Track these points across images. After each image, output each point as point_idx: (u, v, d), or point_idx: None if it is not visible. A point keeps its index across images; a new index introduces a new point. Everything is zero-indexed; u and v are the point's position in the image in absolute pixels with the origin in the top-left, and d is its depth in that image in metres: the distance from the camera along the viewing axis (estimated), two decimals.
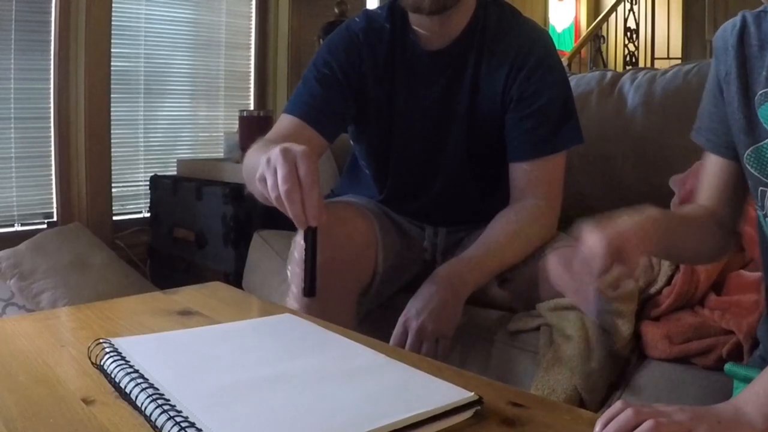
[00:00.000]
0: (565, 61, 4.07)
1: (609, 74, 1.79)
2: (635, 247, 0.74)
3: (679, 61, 3.46)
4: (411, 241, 1.38)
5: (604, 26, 5.00)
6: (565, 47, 5.34)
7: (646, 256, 0.78)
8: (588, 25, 5.45)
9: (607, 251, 0.72)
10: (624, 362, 1.10)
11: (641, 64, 5.12)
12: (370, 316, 1.29)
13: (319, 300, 1.14)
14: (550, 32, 5.27)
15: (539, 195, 1.26)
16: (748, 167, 0.81)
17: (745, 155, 0.82)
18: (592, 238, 0.74)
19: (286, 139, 1.10)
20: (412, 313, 1.14)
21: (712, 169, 0.92)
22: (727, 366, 0.87)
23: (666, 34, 5.22)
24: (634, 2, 5.16)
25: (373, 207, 1.35)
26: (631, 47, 5.23)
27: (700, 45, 5.11)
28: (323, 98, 1.28)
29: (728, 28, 0.86)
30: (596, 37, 4.98)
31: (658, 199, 1.48)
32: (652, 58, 5.11)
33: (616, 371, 1.09)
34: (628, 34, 5.22)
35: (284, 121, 1.29)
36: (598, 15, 5.25)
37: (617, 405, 0.61)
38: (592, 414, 0.65)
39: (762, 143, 0.79)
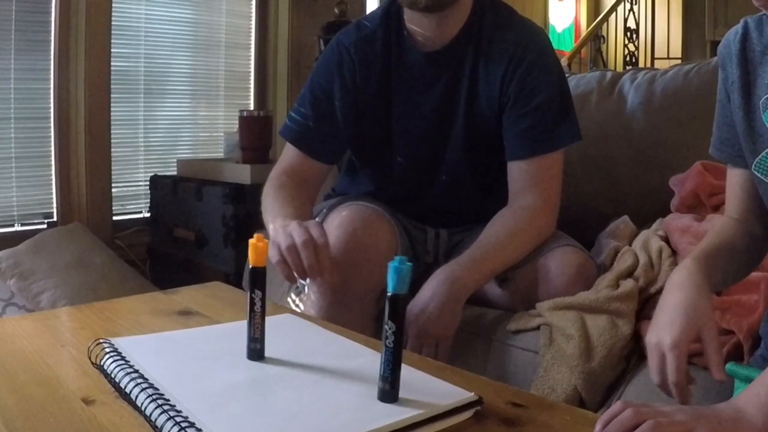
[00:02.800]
0: (565, 61, 4.07)
1: (609, 74, 1.79)
2: (706, 325, 0.75)
3: (679, 61, 3.46)
4: (414, 244, 1.38)
5: (604, 26, 5.00)
6: (565, 47, 5.34)
7: (714, 316, 0.81)
8: (588, 25, 5.44)
9: (686, 358, 0.74)
10: (624, 361, 1.10)
11: (641, 64, 5.12)
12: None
13: (342, 304, 1.14)
14: (550, 32, 5.29)
15: (537, 193, 1.26)
16: (758, 175, 0.81)
17: (754, 163, 0.81)
18: (670, 354, 0.74)
19: (291, 174, 1.33)
20: (412, 317, 1.14)
21: (733, 180, 0.92)
22: (728, 366, 0.87)
23: (666, 34, 5.22)
24: (634, 2, 5.16)
25: (387, 209, 1.35)
26: (631, 47, 5.23)
27: (700, 45, 5.11)
28: (319, 128, 1.34)
29: (731, 35, 0.86)
30: (596, 37, 4.98)
31: (658, 198, 1.49)
32: (652, 58, 5.11)
33: (616, 370, 1.09)
34: (628, 34, 5.22)
35: (288, 153, 1.38)
36: (598, 15, 5.25)
37: (617, 405, 0.61)
38: (592, 414, 0.65)
39: None
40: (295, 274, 1.10)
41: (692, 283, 0.79)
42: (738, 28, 0.85)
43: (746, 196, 0.90)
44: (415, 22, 1.29)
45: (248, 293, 0.74)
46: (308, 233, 1.08)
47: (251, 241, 0.74)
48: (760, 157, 0.80)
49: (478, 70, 1.29)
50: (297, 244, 1.07)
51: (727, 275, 0.90)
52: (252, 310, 0.74)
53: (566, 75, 1.44)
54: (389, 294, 0.63)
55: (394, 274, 0.62)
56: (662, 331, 0.76)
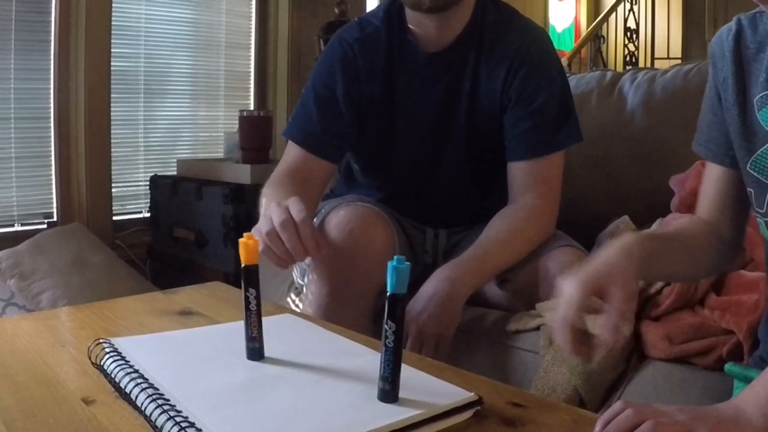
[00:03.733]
0: (565, 61, 4.07)
1: (609, 74, 1.79)
2: (617, 282, 0.73)
3: (679, 61, 3.45)
4: (413, 244, 1.38)
5: (604, 26, 5.00)
6: (565, 47, 5.34)
7: (632, 285, 0.77)
8: (588, 25, 5.45)
9: (583, 295, 0.72)
10: (624, 362, 1.10)
11: (641, 64, 5.12)
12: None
13: (340, 304, 1.14)
14: (550, 32, 5.29)
15: (537, 194, 1.26)
16: (753, 173, 0.80)
17: (750, 162, 0.80)
18: (567, 286, 0.73)
19: (294, 174, 1.28)
20: (412, 316, 1.14)
21: (712, 179, 0.90)
22: (727, 366, 0.87)
23: (666, 34, 5.22)
24: (634, 2, 5.16)
25: (385, 210, 1.35)
26: (631, 47, 5.23)
27: (700, 45, 5.11)
28: (324, 125, 1.31)
29: (724, 33, 0.85)
30: (596, 37, 4.98)
31: (658, 198, 1.49)
32: (652, 58, 5.11)
33: (616, 371, 1.09)
34: (628, 34, 5.22)
35: (291, 152, 1.33)
36: (598, 15, 5.25)
37: (617, 405, 0.61)
38: (592, 414, 0.65)
39: (765, 147, 0.78)
40: (294, 261, 1.06)
41: (622, 247, 0.77)
42: (731, 25, 0.84)
43: (721, 195, 0.89)
44: (416, 23, 1.29)
45: (242, 292, 0.74)
46: (287, 212, 1.03)
47: (241, 239, 0.73)
48: (756, 155, 0.79)
49: (479, 70, 1.29)
50: (276, 228, 1.02)
51: (676, 267, 0.87)
52: (247, 309, 0.74)
53: (566, 75, 1.44)
54: (388, 294, 0.63)
55: (393, 273, 0.62)
56: (571, 276, 0.74)
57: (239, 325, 0.75)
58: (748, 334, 0.99)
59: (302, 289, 1.36)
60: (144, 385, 0.64)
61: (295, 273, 1.48)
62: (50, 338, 0.85)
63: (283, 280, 1.69)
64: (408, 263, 0.63)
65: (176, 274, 2.52)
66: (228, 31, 3.09)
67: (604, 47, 5.08)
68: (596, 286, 0.72)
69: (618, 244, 0.78)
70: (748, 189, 0.82)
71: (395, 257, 0.63)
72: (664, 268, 0.85)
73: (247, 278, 0.74)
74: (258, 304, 0.75)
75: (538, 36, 1.32)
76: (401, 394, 0.64)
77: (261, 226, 1.05)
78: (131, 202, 2.83)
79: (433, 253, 1.40)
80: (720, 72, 0.85)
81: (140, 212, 2.84)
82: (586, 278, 0.73)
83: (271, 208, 1.05)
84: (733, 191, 0.88)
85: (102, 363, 0.71)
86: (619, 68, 4.98)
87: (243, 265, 0.74)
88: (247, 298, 0.74)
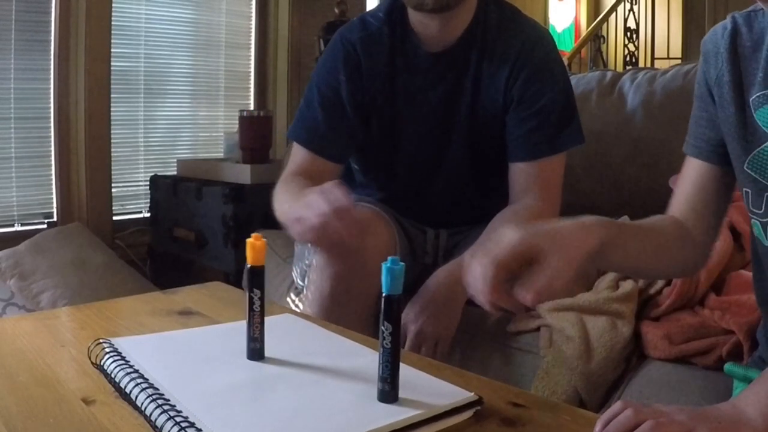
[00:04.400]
0: (565, 61, 4.07)
1: (609, 74, 1.79)
2: (560, 251, 0.68)
3: (679, 61, 3.45)
4: (413, 244, 1.38)
5: (604, 26, 5.00)
6: (565, 47, 5.34)
7: (579, 264, 0.70)
8: (588, 25, 5.45)
9: (521, 247, 0.67)
10: (624, 362, 1.10)
11: (641, 64, 5.12)
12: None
13: (341, 305, 1.14)
14: (550, 32, 5.29)
15: (538, 195, 1.26)
16: (751, 173, 0.79)
17: (747, 161, 0.79)
18: (508, 233, 0.69)
19: (303, 174, 1.26)
20: (411, 317, 1.14)
21: (693, 177, 0.88)
22: (727, 366, 0.87)
23: (666, 34, 5.22)
24: (634, 2, 5.16)
25: (386, 210, 1.34)
26: (631, 47, 5.23)
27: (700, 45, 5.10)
28: (329, 126, 1.30)
29: (719, 31, 0.84)
30: (596, 37, 4.98)
31: (658, 198, 1.49)
32: (652, 58, 5.11)
33: (616, 371, 1.09)
34: (628, 34, 5.22)
35: (298, 153, 1.33)
36: (598, 15, 5.25)
37: (617, 405, 0.61)
38: (592, 414, 0.65)
39: (762, 147, 0.77)
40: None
41: (580, 224, 0.73)
42: (726, 23, 0.83)
43: (700, 194, 0.88)
44: (419, 23, 1.28)
45: (247, 293, 0.74)
46: (329, 201, 0.97)
47: (249, 240, 0.73)
48: (753, 154, 0.78)
49: (482, 70, 1.29)
50: (328, 217, 0.96)
51: (639, 260, 0.84)
52: (251, 309, 0.74)
53: (569, 76, 1.44)
54: (384, 295, 0.63)
55: (387, 275, 0.62)
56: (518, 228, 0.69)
57: (239, 325, 0.75)
58: (748, 334, 0.99)
59: (302, 290, 1.36)
60: (144, 385, 0.64)
61: (295, 273, 1.48)
62: (50, 338, 0.85)
63: (283, 280, 1.69)
64: (402, 264, 0.63)
65: (176, 274, 2.52)
66: (228, 31, 3.09)
67: (604, 47, 5.08)
68: (536, 245, 0.68)
69: (578, 222, 0.74)
70: (745, 189, 0.81)
71: (389, 258, 0.62)
72: (625, 258, 0.81)
73: (252, 279, 0.74)
74: (262, 305, 0.74)
75: (541, 37, 1.32)
76: (401, 394, 0.64)
77: (307, 216, 0.99)
78: (131, 202, 2.83)
79: (433, 254, 1.40)
80: (713, 69, 0.84)
81: (140, 212, 2.84)
82: (532, 233, 0.68)
83: (311, 199, 1.00)
84: (713, 191, 0.87)
85: (102, 363, 0.71)
86: (619, 68, 4.98)
87: (249, 266, 0.74)
88: (251, 298, 0.74)
